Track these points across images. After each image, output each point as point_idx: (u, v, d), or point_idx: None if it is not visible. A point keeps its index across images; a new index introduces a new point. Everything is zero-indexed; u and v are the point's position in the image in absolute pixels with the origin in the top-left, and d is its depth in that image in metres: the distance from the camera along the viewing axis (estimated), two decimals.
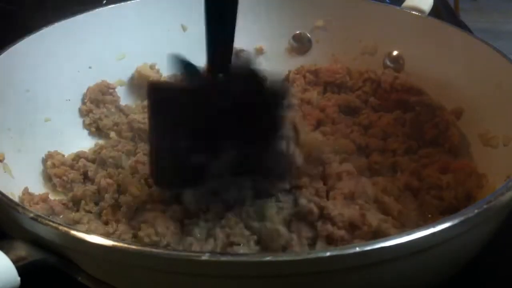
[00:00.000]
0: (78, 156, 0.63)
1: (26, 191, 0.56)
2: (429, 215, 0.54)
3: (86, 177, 0.61)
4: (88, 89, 0.70)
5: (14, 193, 0.55)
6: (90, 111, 0.70)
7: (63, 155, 0.63)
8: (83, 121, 0.70)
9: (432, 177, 0.56)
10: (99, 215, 0.54)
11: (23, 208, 0.40)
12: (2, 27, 0.82)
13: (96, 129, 0.69)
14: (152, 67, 0.76)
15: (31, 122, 0.63)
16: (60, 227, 0.38)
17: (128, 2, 0.74)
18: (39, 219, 0.39)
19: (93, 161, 0.62)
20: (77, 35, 0.69)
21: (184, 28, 0.78)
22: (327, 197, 0.53)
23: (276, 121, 0.49)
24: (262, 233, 0.48)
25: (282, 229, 0.48)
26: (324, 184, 0.54)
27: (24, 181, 0.57)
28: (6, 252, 0.37)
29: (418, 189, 0.56)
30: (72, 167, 0.61)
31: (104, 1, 0.84)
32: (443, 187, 0.55)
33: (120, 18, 0.73)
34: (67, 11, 0.69)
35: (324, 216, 0.49)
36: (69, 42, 0.68)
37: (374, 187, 0.54)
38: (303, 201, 0.50)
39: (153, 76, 0.74)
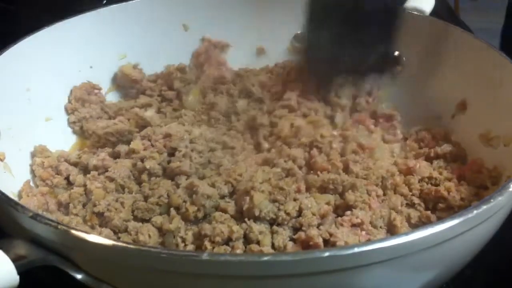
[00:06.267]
0: (61, 157, 0.62)
1: (27, 183, 0.57)
2: None
3: (69, 182, 0.60)
4: (73, 88, 0.70)
5: (15, 192, 0.55)
6: (75, 109, 0.69)
7: (51, 152, 0.63)
8: (68, 119, 0.69)
9: (430, 193, 0.55)
10: (84, 218, 0.54)
11: (23, 207, 0.40)
12: (2, 27, 0.82)
13: (80, 128, 0.68)
14: (135, 66, 0.75)
15: (31, 121, 0.63)
16: (60, 226, 0.38)
17: (129, 2, 0.74)
18: (38, 218, 0.39)
19: (75, 164, 0.61)
20: (78, 35, 0.69)
21: (185, 28, 0.78)
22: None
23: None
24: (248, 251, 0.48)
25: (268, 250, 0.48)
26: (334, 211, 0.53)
27: (24, 180, 0.57)
28: (6, 251, 0.37)
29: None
30: (56, 171, 0.60)
31: (104, 1, 0.84)
32: (445, 196, 0.55)
33: (121, 17, 0.73)
34: (67, 11, 0.69)
35: (329, 243, 0.48)
36: (70, 41, 0.68)
37: (387, 211, 0.53)
38: (313, 232, 0.48)
39: (135, 76, 0.74)
